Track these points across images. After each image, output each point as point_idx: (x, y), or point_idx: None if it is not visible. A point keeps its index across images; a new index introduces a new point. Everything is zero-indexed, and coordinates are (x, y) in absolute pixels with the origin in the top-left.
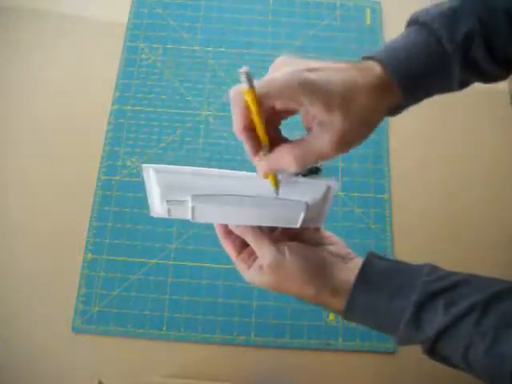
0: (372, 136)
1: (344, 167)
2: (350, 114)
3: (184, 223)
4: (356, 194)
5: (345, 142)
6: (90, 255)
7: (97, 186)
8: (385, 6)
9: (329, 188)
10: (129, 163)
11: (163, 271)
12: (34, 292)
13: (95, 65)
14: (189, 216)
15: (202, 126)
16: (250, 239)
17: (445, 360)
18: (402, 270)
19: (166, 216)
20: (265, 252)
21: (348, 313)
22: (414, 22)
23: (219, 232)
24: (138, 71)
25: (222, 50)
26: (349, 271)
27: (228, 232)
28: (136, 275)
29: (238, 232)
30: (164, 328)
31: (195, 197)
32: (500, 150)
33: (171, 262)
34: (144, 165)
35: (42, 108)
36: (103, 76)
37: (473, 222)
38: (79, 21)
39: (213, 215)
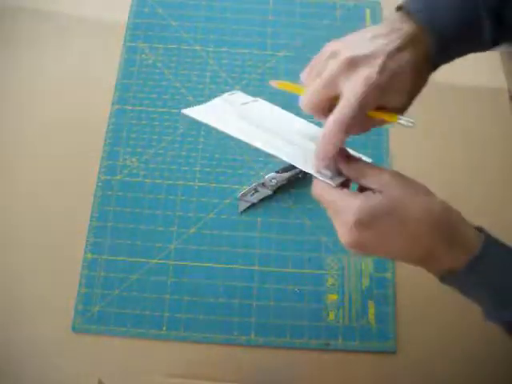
0: (372, 136)
1: None
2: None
3: (184, 223)
4: None
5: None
6: (89, 255)
7: (97, 185)
8: (385, 7)
9: None
10: (129, 163)
11: (163, 271)
12: (33, 292)
13: (95, 65)
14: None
15: (202, 126)
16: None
17: None
18: None
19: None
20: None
21: (477, 262)
22: None
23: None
24: (138, 71)
25: (223, 50)
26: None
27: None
28: (136, 275)
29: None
30: (164, 328)
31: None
32: (501, 150)
33: (171, 262)
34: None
35: (42, 108)
36: (103, 76)
37: (473, 222)
38: (79, 21)
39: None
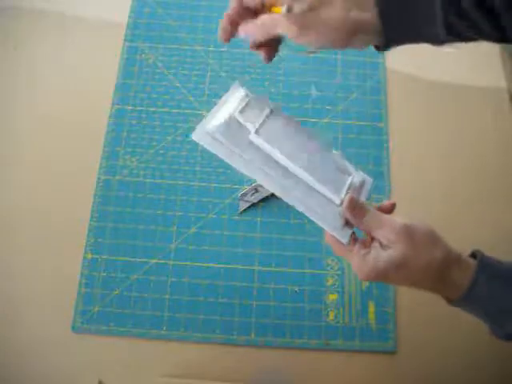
0: (372, 136)
1: None
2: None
3: (184, 223)
4: None
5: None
6: (89, 255)
7: (97, 185)
8: None
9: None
10: (129, 163)
11: (163, 271)
12: (34, 292)
13: (95, 65)
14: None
15: None
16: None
17: None
18: None
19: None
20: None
21: (468, 295)
22: None
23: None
24: (138, 71)
25: (223, 50)
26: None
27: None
28: (136, 275)
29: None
30: (164, 328)
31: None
32: (501, 150)
33: (171, 262)
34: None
35: (42, 108)
36: (103, 76)
37: (472, 222)
38: (79, 21)
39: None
